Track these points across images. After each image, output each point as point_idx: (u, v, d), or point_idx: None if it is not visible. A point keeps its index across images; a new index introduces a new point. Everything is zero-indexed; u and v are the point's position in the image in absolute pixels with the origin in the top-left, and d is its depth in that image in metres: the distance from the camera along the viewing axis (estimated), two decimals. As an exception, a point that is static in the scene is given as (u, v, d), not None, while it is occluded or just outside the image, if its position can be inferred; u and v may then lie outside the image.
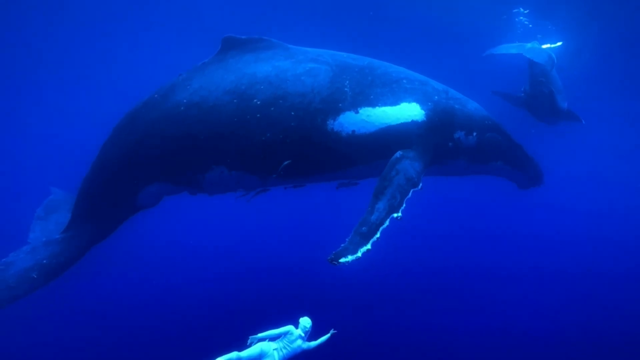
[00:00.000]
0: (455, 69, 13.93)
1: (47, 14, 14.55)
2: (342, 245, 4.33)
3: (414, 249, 12.36)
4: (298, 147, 5.16)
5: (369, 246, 4.32)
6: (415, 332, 9.37)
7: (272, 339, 4.73)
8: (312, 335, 4.87)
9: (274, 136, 5.11)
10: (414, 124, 5.30)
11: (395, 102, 5.30)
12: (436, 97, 5.56)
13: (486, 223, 15.59)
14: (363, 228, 4.46)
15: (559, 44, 13.27)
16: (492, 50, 11.11)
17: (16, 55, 16.29)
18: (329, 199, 10.21)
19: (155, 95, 5.80)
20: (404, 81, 5.54)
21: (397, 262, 10.74)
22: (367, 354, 8.81)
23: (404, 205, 4.71)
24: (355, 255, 4.22)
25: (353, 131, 5.16)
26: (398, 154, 5.14)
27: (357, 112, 5.18)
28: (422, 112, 5.37)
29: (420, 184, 4.99)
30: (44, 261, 5.64)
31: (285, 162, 5.15)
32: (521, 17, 13.86)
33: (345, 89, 5.24)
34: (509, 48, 11.01)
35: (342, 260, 4.16)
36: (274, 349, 4.63)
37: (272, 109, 5.13)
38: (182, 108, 5.42)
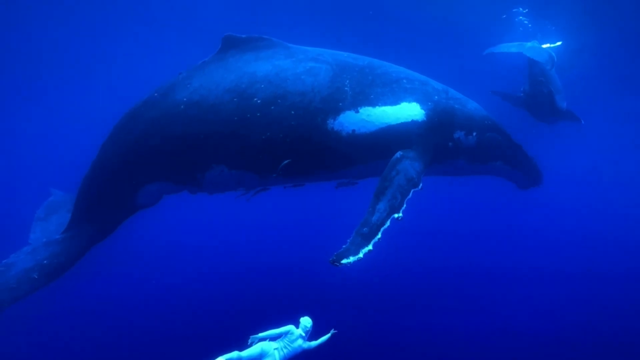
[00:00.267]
0: (455, 69, 13.94)
1: (47, 14, 14.53)
2: (344, 246, 4.34)
3: (415, 249, 12.36)
4: (298, 146, 5.16)
5: (370, 247, 4.33)
6: (416, 332, 9.37)
7: (273, 338, 4.73)
8: (312, 335, 4.87)
9: (274, 135, 5.10)
10: (414, 123, 5.30)
11: (395, 102, 5.30)
12: (436, 97, 5.57)
13: (486, 223, 15.62)
14: (364, 229, 4.47)
15: (559, 43, 13.25)
16: (492, 49, 11.08)
17: (16, 55, 16.27)
18: (330, 198, 10.20)
19: (155, 94, 5.80)
20: (404, 81, 5.54)
21: (397, 262, 10.73)
22: (368, 354, 8.80)
23: (405, 205, 4.71)
24: (357, 256, 4.23)
25: (353, 130, 5.16)
26: (398, 154, 5.14)
27: (357, 112, 5.18)
28: (422, 111, 5.37)
29: (421, 184, 4.99)
30: (45, 262, 5.65)
31: (285, 161, 5.15)
32: (521, 17, 13.83)
33: (346, 89, 5.24)
34: (509, 47, 10.98)
35: (344, 261, 4.17)
36: (274, 349, 4.62)
37: (272, 108, 5.12)
38: (182, 107, 5.41)
